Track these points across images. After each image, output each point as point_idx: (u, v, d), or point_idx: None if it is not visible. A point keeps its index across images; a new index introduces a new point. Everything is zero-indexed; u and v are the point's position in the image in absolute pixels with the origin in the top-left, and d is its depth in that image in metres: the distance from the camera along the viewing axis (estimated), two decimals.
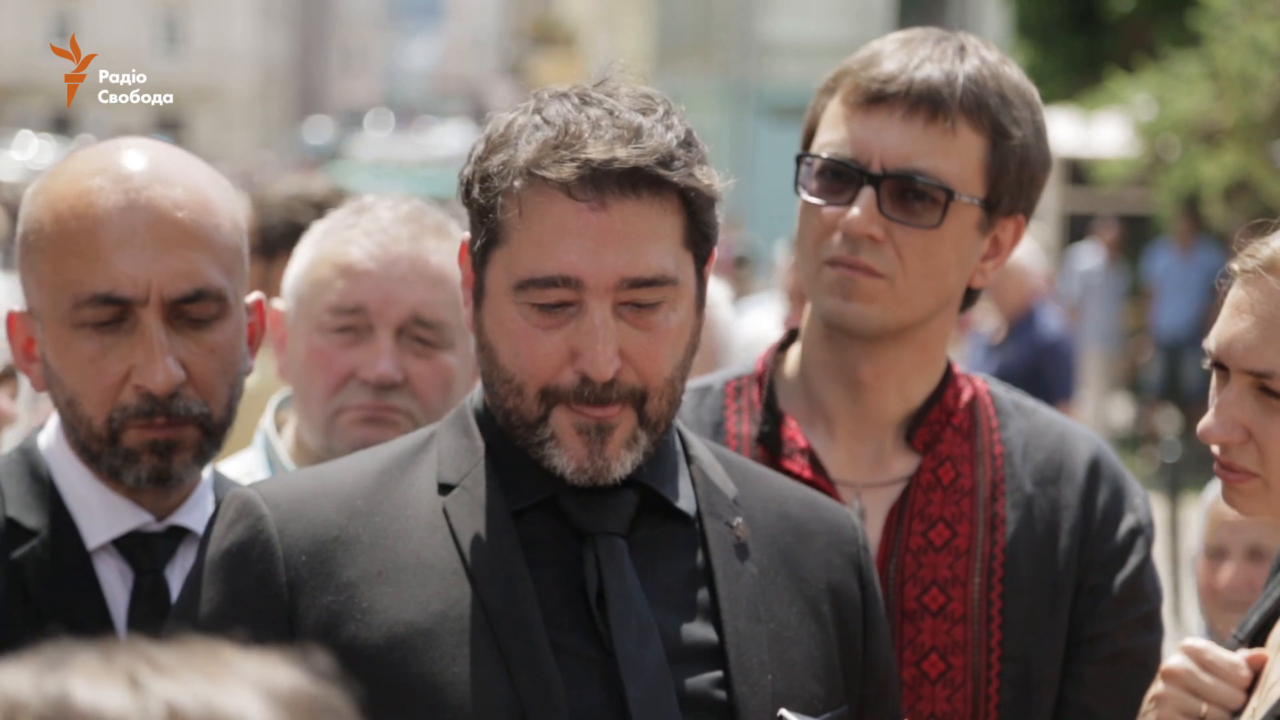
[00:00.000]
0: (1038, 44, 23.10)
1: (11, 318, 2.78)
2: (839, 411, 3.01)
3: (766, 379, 3.05)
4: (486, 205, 2.42)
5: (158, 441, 2.70)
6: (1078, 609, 2.94)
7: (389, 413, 3.24)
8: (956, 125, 2.90)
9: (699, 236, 2.46)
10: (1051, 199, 22.59)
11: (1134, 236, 20.42)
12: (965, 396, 3.04)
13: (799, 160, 2.99)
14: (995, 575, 2.93)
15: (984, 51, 2.97)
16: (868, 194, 2.90)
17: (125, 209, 2.68)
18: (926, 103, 2.89)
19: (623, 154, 2.36)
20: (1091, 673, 2.93)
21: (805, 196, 2.96)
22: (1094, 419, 17.97)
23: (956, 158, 2.90)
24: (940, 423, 3.00)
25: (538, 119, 2.41)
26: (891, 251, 2.90)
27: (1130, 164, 19.06)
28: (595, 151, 2.36)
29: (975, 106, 2.90)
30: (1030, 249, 11.62)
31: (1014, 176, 2.94)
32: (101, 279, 2.67)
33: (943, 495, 2.97)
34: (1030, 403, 3.10)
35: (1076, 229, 21.77)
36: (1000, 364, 10.76)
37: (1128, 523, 2.99)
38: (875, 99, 2.91)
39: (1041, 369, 10.34)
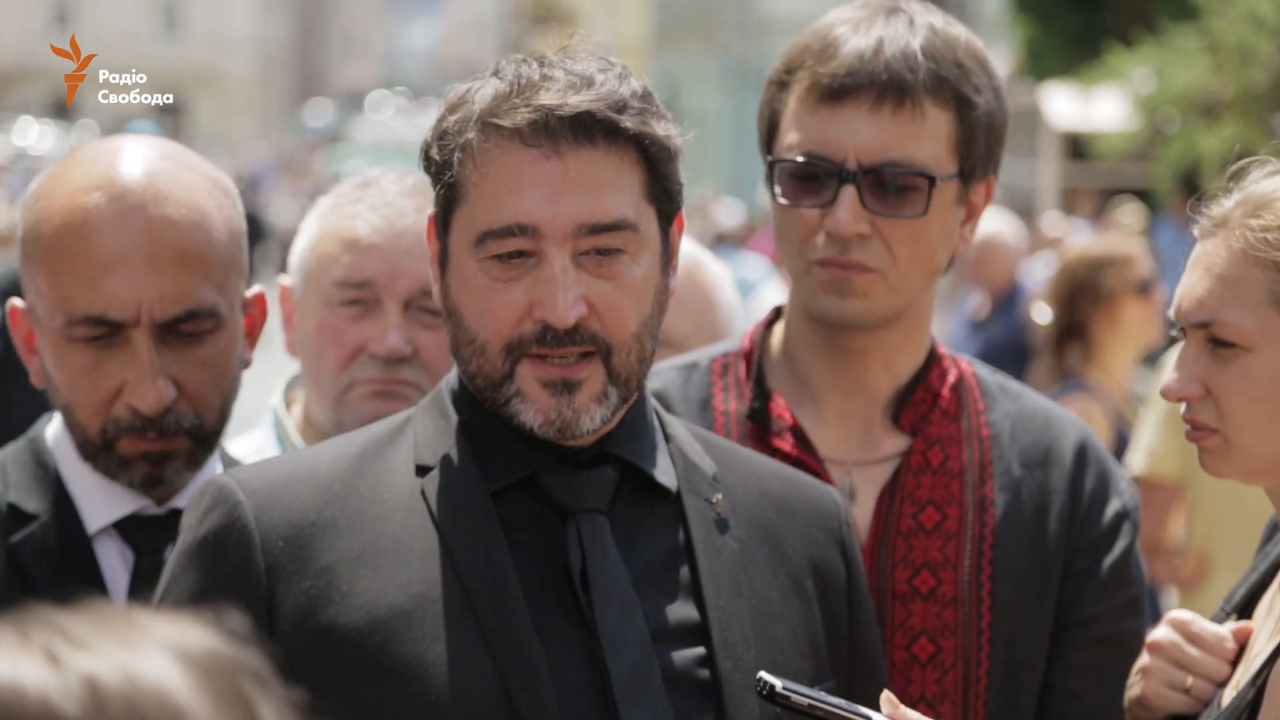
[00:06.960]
0: (1037, 19, 23.07)
1: (13, 310, 2.81)
2: (826, 389, 3.00)
3: (755, 356, 3.04)
4: (444, 162, 2.44)
5: (150, 453, 2.74)
6: (1064, 593, 2.94)
7: (399, 386, 3.25)
8: (924, 107, 2.87)
9: (660, 191, 2.45)
10: (1050, 174, 22.55)
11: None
12: (951, 378, 3.03)
13: (770, 165, 2.94)
14: (985, 558, 2.92)
15: (929, 17, 2.93)
16: (849, 193, 2.87)
17: (119, 229, 2.70)
18: (893, 91, 2.86)
19: (574, 99, 2.37)
20: (1077, 656, 2.93)
21: (781, 201, 2.92)
22: None
23: (929, 140, 2.88)
24: (926, 403, 2.99)
25: (494, 79, 2.44)
26: (880, 245, 2.88)
27: (1129, 138, 19.05)
28: (547, 98, 2.37)
29: (937, 83, 2.87)
30: (1009, 224, 11.60)
31: (983, 144, 2.92)
32: (93, 300, 2.70)
33: (932, 478, 2.96)
34: (1015, 386, 3.09)
35: (1074, 204, 21.73)
36: (985, 341, 10.72)
37: (1114, 507, 2.98)
38: (840, 94, 2.87)
39: (1027, 345, 10.31)
